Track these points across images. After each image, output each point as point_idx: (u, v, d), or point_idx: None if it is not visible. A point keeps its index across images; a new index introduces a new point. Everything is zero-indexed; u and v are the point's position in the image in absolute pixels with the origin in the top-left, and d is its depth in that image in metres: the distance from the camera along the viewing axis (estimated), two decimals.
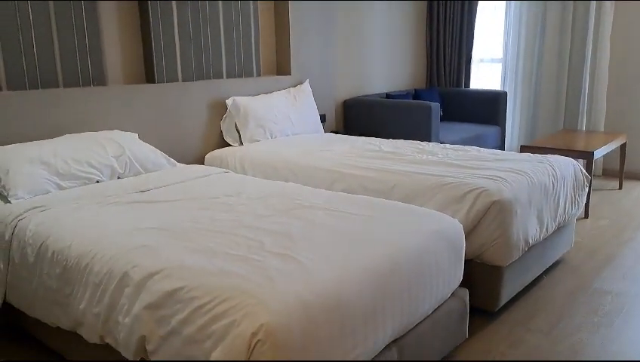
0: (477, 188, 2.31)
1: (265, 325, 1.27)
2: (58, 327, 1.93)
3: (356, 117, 4.52)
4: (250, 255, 1.61)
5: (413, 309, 1.74)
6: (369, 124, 4.39)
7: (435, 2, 5.30)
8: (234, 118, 3.59)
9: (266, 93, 3.86)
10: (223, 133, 3.64)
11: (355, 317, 1.48)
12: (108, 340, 1.68)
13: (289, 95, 3.92)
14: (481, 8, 5.29)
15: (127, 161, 2.75)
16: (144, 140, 3.02)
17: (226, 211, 2.08)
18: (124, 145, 2.79)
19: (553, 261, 2.89)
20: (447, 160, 2.84)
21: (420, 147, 3.22)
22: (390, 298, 1.62)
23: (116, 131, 2.95)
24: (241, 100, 3.60)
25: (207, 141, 3.58)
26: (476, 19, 5.21)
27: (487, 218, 2.26)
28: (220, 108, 3.63)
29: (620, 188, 4.54)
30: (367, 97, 4.62)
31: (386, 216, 1.97)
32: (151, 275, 1.54)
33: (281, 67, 4.13)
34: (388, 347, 1.69)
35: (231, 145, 3.57)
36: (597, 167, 4.99)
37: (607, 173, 5.00)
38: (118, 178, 2.71)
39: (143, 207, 2.17)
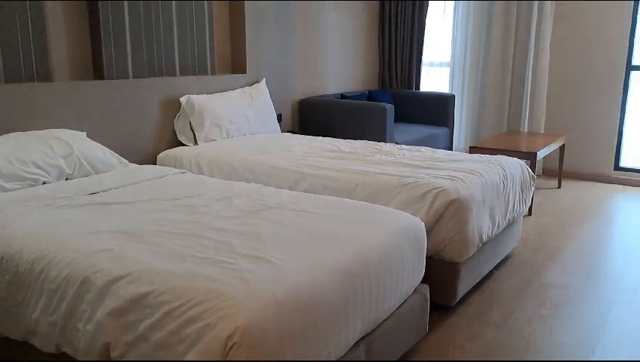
0: (436, 188, 2.38)
1: (241, 327, 1.25)
2: (6, 337, 1.82)
3: (312, 117, 4.53)
4: (220, 257, 1.58)
5: (380, 306, 1.77)
6: (325, 124, 4.42)
7: (387, 2, 5.38)
8: (188, 117, 3.52)
9: (222, 92, 3.81)
10: (177, 132, 3.56)
11: (327, 315, 1.49)
12: (65, 349, 1.61)
13: (245, 94, 3.88)
14: (431, 14, 5.42)
15: (76, 161, 2.64)
16: (92, 139, 2.90)
17: (188, 213, 2.04)
18: (73, 144, 2.67)
19: (503, 256, 3.01)
20: (404, 160, 2.90)
21: (378, 147, 3.27)
22: (360, 295, 1.64)
23: (63, 130, 2.82)
24: (196, 98, 3.53)
25: (159, 140, 3.49)
26: (426, 22, 5.33)
27: (446, 216, 2.33)
28: (172, 107, 3.54)
29: (559, 186, 4.79)
30: (323, 98, 4.65)
31: (352, 216, 2.00)
32: (115, 280, 1.48)
33: (237, 65, 4.08)
34: (356, 344, 1.71)
35: (185, 145, 3.50)
36: (537, 167, 5.24)
37: (546, 173, 5.27)
38: (67, 179, 2.59)
39: (99, 209, 2.08)
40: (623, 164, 5.01)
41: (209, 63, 3.82)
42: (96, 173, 2.69)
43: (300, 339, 1.40)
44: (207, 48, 3.78)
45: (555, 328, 2.39)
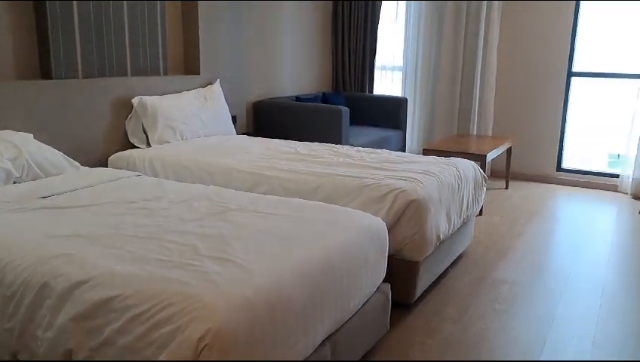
0: (396, 189, 2.43)
1: (212, 329, 1.24)
2: None
3: (267, 119, 4.52)
4: (185, 260, 1.56)
5: (346, 305, 1.79)
6: (280, 126, 4.42)
7: (340, 2, 5.44)
8: (140, 118, 3.44)
9: (175, 93, 3.74)
10: (128, 134, 3.47)
11: (296, 315, 1.50)
12: (22, 356, 1.54)
13: (199, 95, 3.82)
14: (383, 19, 5.53)
15: (25, 163, 2.54)
16: (39, 141, 2.79)
17: (147, 216, 2.00)
18: (21, 146, 2.56)
19: (458, 254, 3.11)
20: (362, 162, 2.95)
21: (335, 150, 3.30)
22: (326, 294, 1.66)
23: (9, 131, 2.70)
24: (149, 99, 3.46)
25: (110, 142, 3.39)
26: (379, 26, 5.42)
27: (406, 216, 2.39)
28: (124, 108, 3.45)
29: (507, 187, 4.99)
30: (278, 100, 4.65)
31: (315, 217, 2.01)
32: (77, 285, 1.44)
33: (190, 66, 4.03)
34: (322, 343, 1.73)
35: (137, 147, 3.42)
36: (486, 168, 5.43)
37: (494, 174, 5.47)
38: (14, 183, 2.48)
39: (53, 213, 2.01)
40: (564, 165, 5.28)
41: (161, 64, 3.75)
42: (47, 177, 2.59)
43: (269, 339, 1.40)
44: (160, 49, 3.71)
45: (507, 323, 2.49)
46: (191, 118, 3.65)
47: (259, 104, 4.58)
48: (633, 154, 4.76)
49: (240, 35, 4.34)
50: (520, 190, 4.96)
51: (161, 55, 3.73)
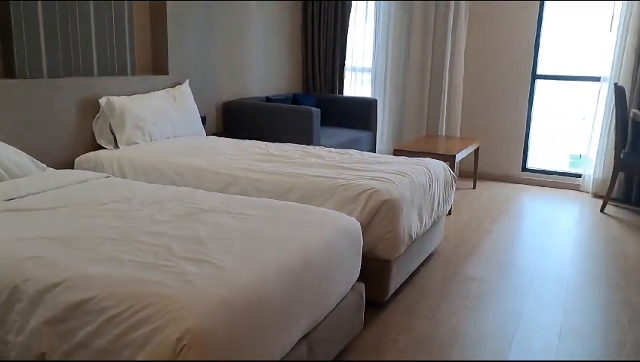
0: (369, 189, 2.45)
1: (191, 329, 1.24)
2: None
3: (237, 120, 4.50)
4: (160, 261, 1.54)
5: (322, 304, 1.80)
6: (250, 127, 4.40)
7: (310, 2, 5.45)
8: (108, 119, 3.37)
9: (143, 93, 3.68)
10: (95, 135, 3.40)
11: (273, 314, 1.51)
12: None
13: (168, 95, 3.78)
14: (353, 21, 5.57)
15: None
16: (2, 142, 2.71)
17: (119, 218, 1.96)
18: None
19: (429, 253, 3.16)
20: (334, 163, 2.96)
21: (307, 150, 3.31)
22: (303, 293, 1.67)
23: None
24: (117, 100, 3.39)
25: (77, 143, 3.31)
26: (349, 27, 5.46)
27: (379, 216, 2.42)
28: (90, 108, 3.38)
29: (474, 187, 5.09)
30: (249, 100, 4.63)
31: (290, 217, 2.02)
32: (50, 288, 1.40)
33: (158, 66, 3.97)
34: (299, 342, 1.73)
35: (104, 148, 3.35)
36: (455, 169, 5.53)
37: (462, 174, 5.57)
38: None
39: (20, 215, 1.95)
40: (529, 165, 5.43)
41: (129, 64, 3.69)
42: (11, 178, 2.52)
43: (248, 339, 1.40)
44: (127, 48, 3.65)
45: (477, 319, 2.55)
46: (160, 119, 3.60)
47: (229, 105, 4.55)
48: (594, 155, 4.93)
49: (209, 35, 4.30)
50: (487, 190, 5.07)
51: (128, 55, 3.67)
